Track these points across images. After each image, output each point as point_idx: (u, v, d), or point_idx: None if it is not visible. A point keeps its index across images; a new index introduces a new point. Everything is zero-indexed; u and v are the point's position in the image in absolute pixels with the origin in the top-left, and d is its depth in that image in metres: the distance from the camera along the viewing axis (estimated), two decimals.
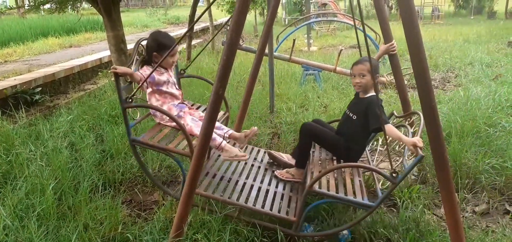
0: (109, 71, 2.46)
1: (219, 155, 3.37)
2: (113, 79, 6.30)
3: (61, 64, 7.62)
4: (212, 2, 2.59)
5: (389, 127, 2.66)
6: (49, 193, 3.14)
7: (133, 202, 3.52)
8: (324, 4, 18.80)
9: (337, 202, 2.79)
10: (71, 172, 3.62)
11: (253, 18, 19.58)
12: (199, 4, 9.74)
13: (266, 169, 3.36)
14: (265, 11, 22.45)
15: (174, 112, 3.00)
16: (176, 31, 14.67)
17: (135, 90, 2.68)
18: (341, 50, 7.45)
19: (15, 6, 16.25)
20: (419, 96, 2.17)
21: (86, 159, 3.85)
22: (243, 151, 3.06)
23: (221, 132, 3.14)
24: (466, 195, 3.26)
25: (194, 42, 11.71)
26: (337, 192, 2.61)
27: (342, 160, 3.07)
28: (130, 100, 2.64)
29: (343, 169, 2.92)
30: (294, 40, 7.52)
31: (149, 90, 2.99)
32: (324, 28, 17.24)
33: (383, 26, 3.49)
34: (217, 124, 3.17)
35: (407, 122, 3.13)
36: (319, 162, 3.05)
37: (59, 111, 5.35)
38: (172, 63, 3.14)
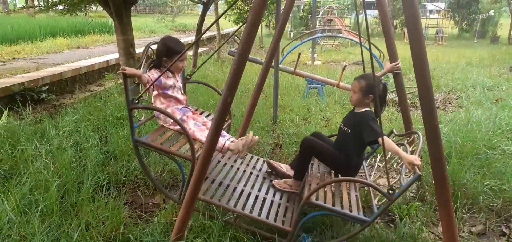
0: (118, 72, 2.53)
1: (219, 161, 3.43)
2: (120, 81, 6.38)
3: (69, 64, 7.70)
4: (220, 15, 2.67)
5: (386, 140, 2.67)
6: (53, 190, 3.19)
7: (134, 204, 3.56)
8: (330, 20, 18.95)
9: (333, 215, 2.79)
10: (75, 171, 3.67)
11: (259, 29, 19.72)
12: (208, 13, 9.85)
13: (264, 178, 3.41)
14: (271, 23, 22.63)
15: (178, 116, 3.05)
16: (183, 38, 14.80)
17: (142, 92, 2.75)
18: (345, 65, 7.52)
19: (25, 5, 16.44)
20: (422, 115, 2.22)
21: (90, 158, 3.90)
22: (245, 142, 3.01)
23: (223, 138, 3.16)
24: (464, 215, 3.30)
25: (200, 50, 11.80)
26: (333, 205, 2.66)
27: (340, 174, 3.11)
28: (137, 101, 2.70)
29: (340, 183, 2.96)
30: (299, 53, 7.60)
31: (155, 93, 3.05)
32: (329, 43, 17.36)
33: (389, 45, 3.56)
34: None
35: (406, 141, 3.17)
36: (318, 174, 3.11)
37: (65, 111, 5.41)
38: (181, 68, 3.22)
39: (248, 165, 3.54)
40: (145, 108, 2.87)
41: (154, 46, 3.17)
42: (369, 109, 3.02)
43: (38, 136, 4.36)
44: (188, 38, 14.60)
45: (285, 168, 3.48)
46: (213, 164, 3.38)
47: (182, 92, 3.27)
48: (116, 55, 8.89)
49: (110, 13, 5.44)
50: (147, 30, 17.65)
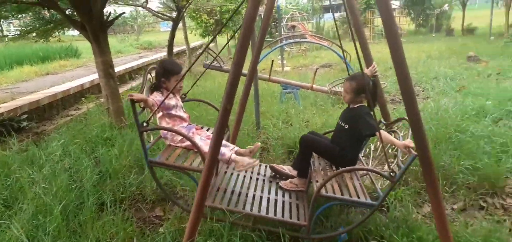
0: (127, 99, 2.68)
1: (225, 172, 3.58)
2: (100, 102, 6.41)
3: (44, 91, 7.63)
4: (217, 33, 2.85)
5: (382, 132, 2.92)
6: (56, 213, 3.25)
7: (135, 218, 3.66)
8: (293, 27, 19.44)
9: (343, 204, 2.99)
10: (74, 193, 3.72)
11: (226, 41, 19.91)
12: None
13: (270, 181, 3.56)
14: (236, 35, 22.82)
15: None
16: (150, 56, 14.80)
17: (150, 115, 2.89)
18: (316, 69, 7.88)
19: None
20: (405, 107, 2.48)
21: (86, 179, 3.96)
22: (252, 159, 3.26)
23: (228, 148, 3.32)
24: (445, 194, 3.62)
25: None
26: (342, 195, 2.87)
27: (339, 167, 3.28)
28: (146, 124, 2.83)
29: (342, 174, 3.16)
30: (272, 60, 7.88)
31: (160, 114, 3.19)
32: (295, 49, 17.82)
33: (363, 48, 3.82)
34: (223, 142, 3.37)
35: (396, 128, 3.36)
36: (320, 170, 3.30)
37: (48, 137, 5.40)
38: (180, 88, 3.39)
39: (253, 172, 3.71)
40: (155, 129, 3.00)
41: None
42: (363, 104, 3.25)
43: (28, 164, 4.36)
44: (157, 55, 14.62)
45: (288, 169, 3.62)
46: (221, 175, 3.52)
47: (184, 110, 3.44)
48: (89, 78, 8.89)
49: (87, 37, 5.50)
50: (113, 51, 17.41)
